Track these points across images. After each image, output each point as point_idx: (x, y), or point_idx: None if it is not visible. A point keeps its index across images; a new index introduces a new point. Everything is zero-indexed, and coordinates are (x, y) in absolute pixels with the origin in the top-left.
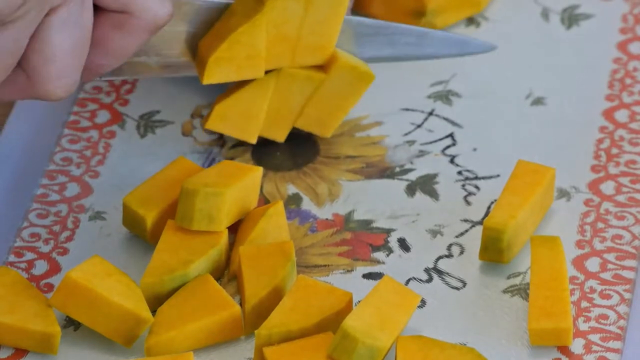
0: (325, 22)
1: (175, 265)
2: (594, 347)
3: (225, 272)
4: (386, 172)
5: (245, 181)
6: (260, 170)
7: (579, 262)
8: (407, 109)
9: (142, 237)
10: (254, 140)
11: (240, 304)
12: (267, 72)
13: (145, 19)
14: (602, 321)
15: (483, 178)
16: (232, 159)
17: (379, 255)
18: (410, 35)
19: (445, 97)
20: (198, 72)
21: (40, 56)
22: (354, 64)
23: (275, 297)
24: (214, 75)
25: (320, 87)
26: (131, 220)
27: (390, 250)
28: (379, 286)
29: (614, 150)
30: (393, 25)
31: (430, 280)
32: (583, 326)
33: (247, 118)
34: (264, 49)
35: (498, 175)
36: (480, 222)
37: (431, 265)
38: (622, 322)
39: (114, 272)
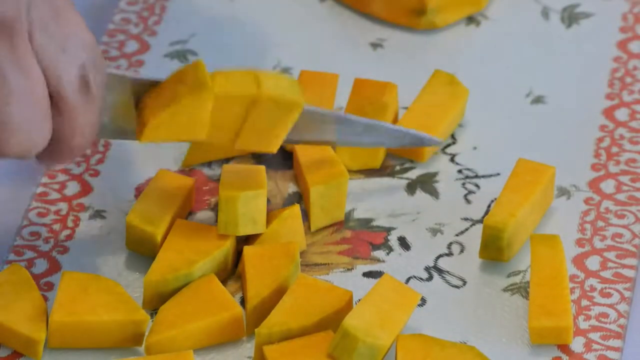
0: (268, 129)
1: (180, 264)
2: (594, 346)
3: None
4: (386, 170)
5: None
6: (263, 168)
7: (579, 261)
8: (407, 107)
9: (149, 254)
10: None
11: (242, 304)
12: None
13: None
14: (603, 319)
15: (483, 176)
16: (232, 158)
17: (379, 253)
18: (359, 126)
19: None
20: (136, 129)
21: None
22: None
23: (277, 297)
24: (151, 137)
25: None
26: (137, 239)
27: (390, 249)
28: (379, 285)
29: (614, 149)
30: (342, 116)
31: (430, 278)
32: (583, 324)
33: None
34: (208, 121)
35: (498, 174)
36: (481, 221)
37: (431, 264)
38: (622, 321)
39: (88, 284)
